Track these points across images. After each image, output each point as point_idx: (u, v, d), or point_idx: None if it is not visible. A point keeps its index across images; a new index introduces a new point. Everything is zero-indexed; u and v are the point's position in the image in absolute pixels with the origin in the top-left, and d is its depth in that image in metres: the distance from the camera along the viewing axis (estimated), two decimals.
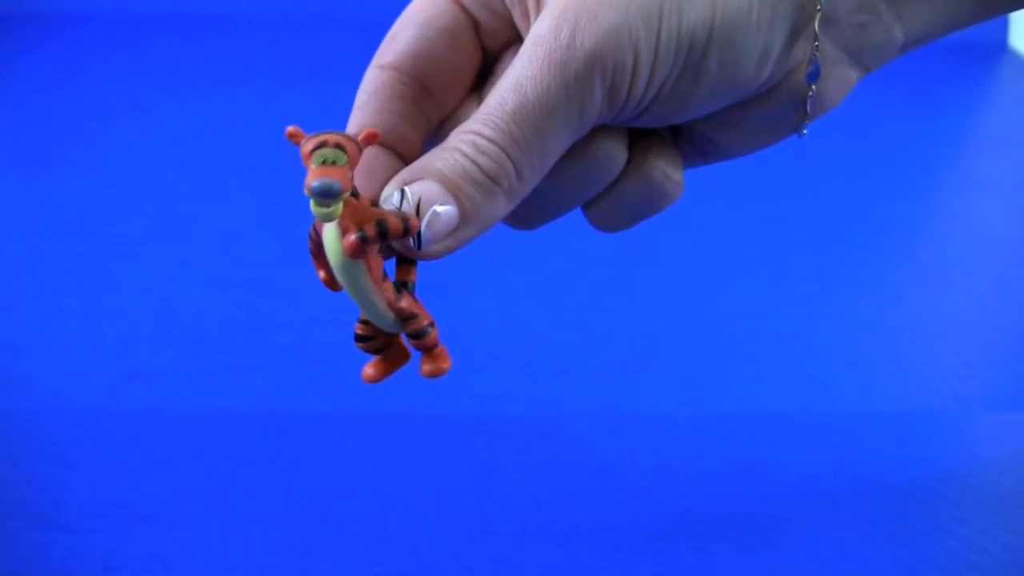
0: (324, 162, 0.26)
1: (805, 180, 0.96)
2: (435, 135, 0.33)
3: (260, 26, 1.28)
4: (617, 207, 0.33)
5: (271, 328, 0.69)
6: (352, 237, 0.27)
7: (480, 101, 0.33)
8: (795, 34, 0.30)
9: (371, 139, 0.28)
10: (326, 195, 0.26)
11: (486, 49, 0.33)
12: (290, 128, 0.27)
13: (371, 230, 0.27)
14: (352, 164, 0.27)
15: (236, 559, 0.41)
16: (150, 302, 0.72)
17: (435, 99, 0.32)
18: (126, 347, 0.67)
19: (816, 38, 0.31)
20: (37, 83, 1.11)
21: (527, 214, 0.33)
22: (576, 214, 0.35)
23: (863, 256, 0.82)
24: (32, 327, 0.69)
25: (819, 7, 0.30)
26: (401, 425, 0.55)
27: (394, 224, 0.28)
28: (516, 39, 0.33)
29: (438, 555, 0.42)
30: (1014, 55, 1.29)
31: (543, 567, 0.42)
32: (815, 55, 0.31)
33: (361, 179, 0.30)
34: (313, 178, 0.26)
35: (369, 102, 0.31)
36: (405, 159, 0.31)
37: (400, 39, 0.32)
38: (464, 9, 0.32)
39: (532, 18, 0.31)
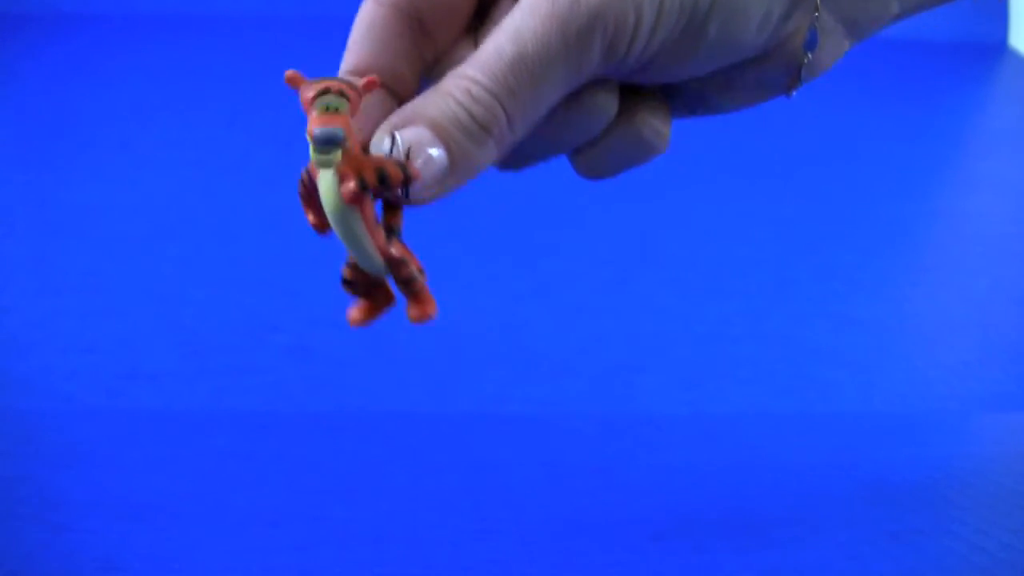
0: (327, 109, 0.27)
1: (805, 180, 0.96)
2: (428, 74, 0.33)
3: (260, 26, 1.28)
4: (604, 157, 0.33)
5: (271, 328, 0.69)
6: (351, 185, 0.27)
7: (476, 42, 0.33)
8: (795, 3, 0.30)
9: (371, 86, 0.28)
10: (329, 143, 0.26)
11: None
12: (289, 72, 0.27)
13: (371, 179, 0.27)
14: (353, 111, 0.27)
15: (236, 559, 0.41)
16: (150, 302, 0.72)
17: (431, 37, 0.32)
18: (126, 347, 0.67)
19: (816, 8, 0.31)
20: (37, 83, 1.11)
21: (513, 158, 0.33)
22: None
23: (863, 256, 0.82)
24: (32, 327, 0.69)
25: None
26: (401, 425, 0.55)
27: (394, 173, 0.28)
28: None
29: (438, 555, 0.42)
30: (1014, 55, 1.29)
31: (543, 567, 0.42)
32: (814, 25, 0.31)
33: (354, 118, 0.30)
34: (316, 125, 0.26)
35: (365, 39, 0.31)
36: (399, 97, 0.31)
37: None
38: None
39: None
